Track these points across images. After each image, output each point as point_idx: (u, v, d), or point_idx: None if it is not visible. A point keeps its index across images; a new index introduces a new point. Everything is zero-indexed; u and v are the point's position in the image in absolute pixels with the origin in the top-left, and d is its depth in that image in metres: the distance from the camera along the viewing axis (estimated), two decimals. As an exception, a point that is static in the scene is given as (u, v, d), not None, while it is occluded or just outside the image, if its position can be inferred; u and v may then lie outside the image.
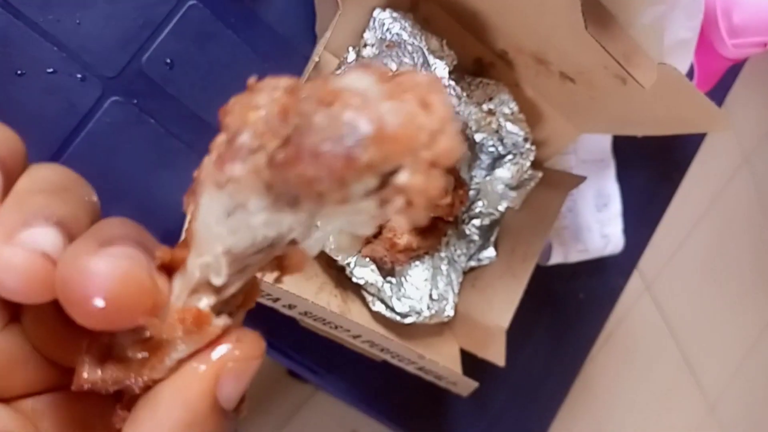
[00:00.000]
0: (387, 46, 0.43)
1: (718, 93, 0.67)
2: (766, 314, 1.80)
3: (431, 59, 0.44)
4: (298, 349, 0.50)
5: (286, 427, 1.08)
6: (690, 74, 0.58)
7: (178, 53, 0.42)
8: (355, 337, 0.44)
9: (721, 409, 1.70)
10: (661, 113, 0.44)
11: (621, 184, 0.63)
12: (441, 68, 0.43)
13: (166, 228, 0.42)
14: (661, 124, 0.46)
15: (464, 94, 0.45)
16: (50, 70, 0.38)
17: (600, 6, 0.38)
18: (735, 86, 0.71)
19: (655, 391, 1.58)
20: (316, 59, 0.40)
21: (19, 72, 0.38)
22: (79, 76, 0.39)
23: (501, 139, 0.49)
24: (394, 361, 0.48)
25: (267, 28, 0.44)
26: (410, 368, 0.48)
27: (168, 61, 0.41)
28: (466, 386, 0.48)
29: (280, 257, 0.17)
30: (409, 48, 0.43)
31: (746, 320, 1.76)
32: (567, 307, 0.65)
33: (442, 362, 0.46)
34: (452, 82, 0.44)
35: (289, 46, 0.45)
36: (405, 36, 0.43)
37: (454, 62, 0.45)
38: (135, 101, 0.41)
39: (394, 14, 0.43)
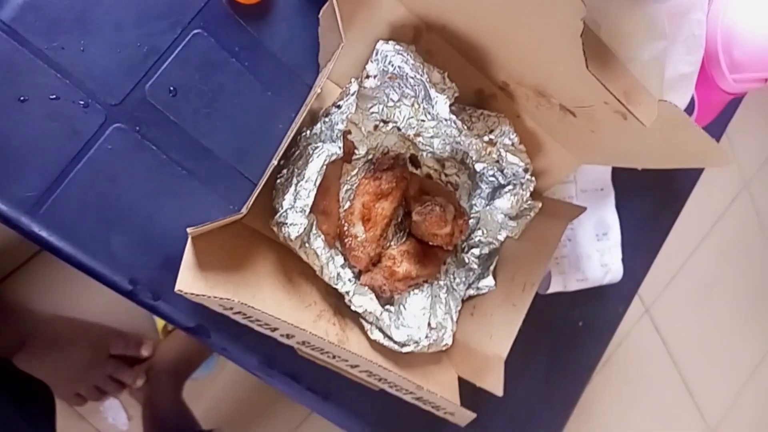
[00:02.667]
0: (389, 78, 0.43)
1: (719, 125, 0.67)
2: (767, 339, 1.79)
3: (432, 93, 0.44)
4: (296, 377, 0.49)
5: (281, 447, 1.07)
6: (691, 107, 0.58)
7: (181, 81, 0.42)
8: (353, 366, 0.44)
9: (721, 433, 1.69)
10: (661, 148, 0.44)
11: (620, 213, 0.63)
12: (442, 102, 0.44)
13: (167, 254, 0.42)
14: (661, 159, 0.46)
15: (465, 126, 0.45)
16: (53, 96, 0.39)
17: (601, 43, 0.38)
18: (737, 113, 0.72)
19: (654, 414, 1.57)
20: (319, 90, 0.40)
21: (22, 98, 0.38)
22: (82, 102, 0.39)
23: (501, 170, 0.50)
24: (392, 391, 0.47)
25: (271, 56, 0.45)
26: (408, 398, 0.48)
27: (171, 88, 0.42)
28: (464, 417, 0.48)
29: None
30: (411, 81, 0.44)
31: (747, 345, 1.76)
32: (566, 336, 0.65)
33: (440, 391, 0.46)
34: (453, 116, 0.44)
35: (292, 75, 0.46)
36: (407, 69, 0.43)
37: (456, 94, 0.46)
38: (138, 128, 0.41)
39: (397, 47, 0.43)
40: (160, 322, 0.94)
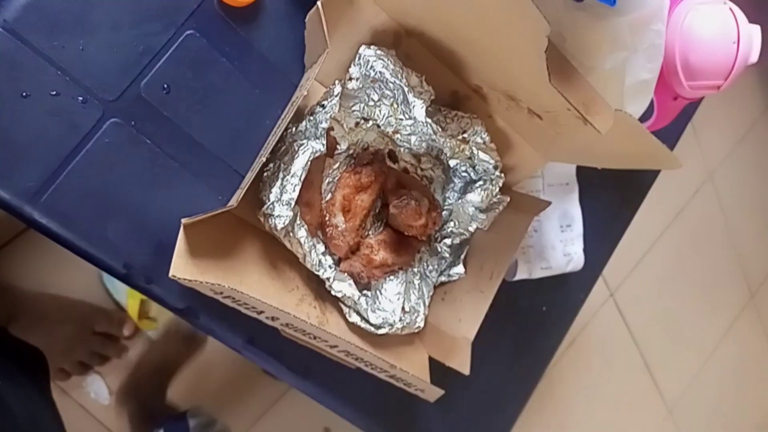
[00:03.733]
0: (371, 81, 0.47)
1: (678, 126, 0.71)
2: (726, 323, 1.88)
3: (410, 97, 0.47)
4: (277, 354, 0.53)
5: (259, 423, 1.11)
6: (650, 111, 0.62)
7: (174, 79, 0.44)
8: (332, 347, 0.48)
9: (679, 413, 1.77)
10: (618, 151, 0.48)
11: (584, 206, 0.68)
12: (419, 107, 0.47)
13: (160, 241, 0.45)
14: (619, 160, 0.51)
15: (440, 128, 0.49)
16: (54, 92, 0.41)
17: (563, 58, 0.42)
18: (703, 106, 0.76)
19: (615, 393, 1.64)
20: (305, 92, 0.43)
21: (24, 94, 0.40)
22: (80, 98, 0.42)
23: (473, 166, 0.53)
24: (368, 369, 0.51)
25: (259, 56, 0.47)
26: (382, 376, 0.52)
27: (165, 86, 0.44)
28: (433, 393, 0.52)
29: None
30: (391, 85, 0.47)
31: (706, 330, 1.84)
32: (530, 320, 0.69)
33: (412, 370, 0.50)
34: (428, 119, 0.48)
35: (279, 74, 0.48)
36: (387, 75, 0.46)
37: (432, 97, 0.49)
38: (133, 123, 0.43)
39: (378, 52, 0.46)
40: (133, 308, 0.96)
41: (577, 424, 1.56)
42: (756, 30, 0.56)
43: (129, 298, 0.94)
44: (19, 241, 0.90)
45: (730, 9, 0.57)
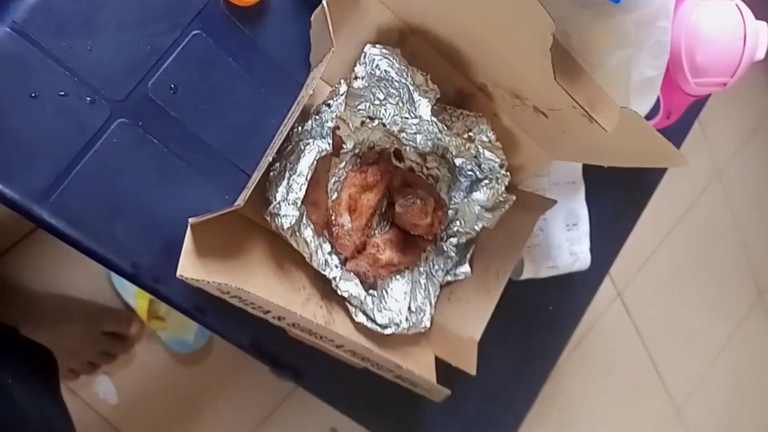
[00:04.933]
0: (377, 80, 0.47)
1: (684, 124, 0.71)
2: (734, 322, 1.87)
3: (416, 96, 0.47)
4: (284, 354, 0.53)
5: (266, 422, 1.11)
6: (656, 109, 0.62)
7: (181, 79, 0.45)
8: (339, 346, 0.48)
9: (687, 412, 1.76)
10: (624, 149, 0.48)
11: (590, 205, 0.68)
12: (424, 105, 0.47)
13: (167, 240, 0.45)
14: (625, 158, 0.50)
15: (445, 126, 0.49)
16: (62, 93, 0.41)
17: (568, 56, 0.42)
18: (710, 104, 0.76)
19: (623, 393, 1.64)
20: (311, 92, 0.43)
21: (33, 94, 0.41)
22: (88, 99, 0.42)
23: (479, 165, 0.53)
24: (374, 369, 0.51)
25: (265, 55, 0.48)
26: (389, 376, 0.52)
27: (172, 86, 0.44)
28: (440, 393, 0.52)
29: None
30: (396, 84, 0.47)
31: (714, 328, 1.83)
32: (537, 320, 0.69)
33: (418, 370, 0.50)
34: (434, 118, 0.48)
35: (284, 73, 0.49)
36: (393, 73, 0.46)
37: (437, 96, 0.49)
38: (140, 123, 0.44)
39: (384, 50, 0.46)
40: (142, 308, 0.96)
41: (584, 424, 1.55)
42: (763, 26, 0.56)
43: (138, 298, 0.95)
44: (27, 241, 0.90)
45: (737, 5, 0.57)
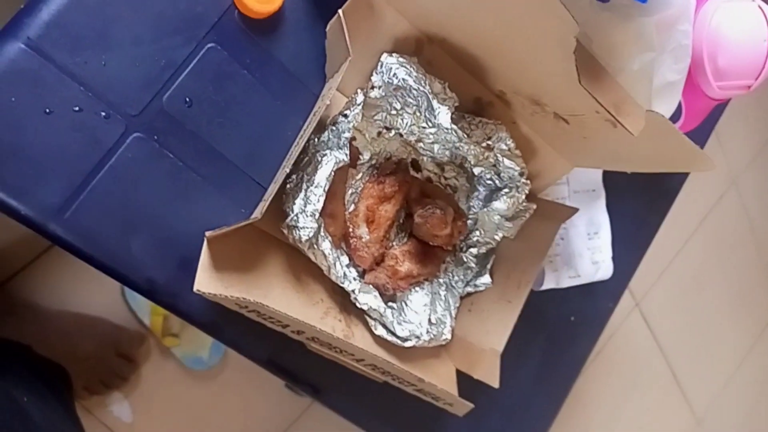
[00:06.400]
0: (394, 89, 0.46)
1: (706, 128, 0.70)
2: (755, 332, 1.83)
3: (435, 104, 0.46)
4: (303, 369, 0.52)
5: (282, 439, 1.10)
6: (678, 113, 0.61)
7: (196, 92, 0.44)
8: (359, 360, 0.47)
9: (709, 424, 1.73)
10: (648, 154, 0.47)
11: (611, 213, 0.66)
12: (444, 113, 0.46)
13: (183, 255, 0.45)
14: (649, 163, 0.49)
15: (465, 135, 0.48)
16: (77, 108, 0.41)
17: (592, 59, 0.41)
18: (726, 112, 0.75)
19: (643, 405, 1.61)
20: (327, 102, 0.42)
21: (47, 110, 0.40)
22: (103, 114, 0.42)
23: (498, 173, 0.52)
24: (395, 383, 0.50)
25: (280, 67, 0.47)
26: (409, 389, 0.50)
27: (187, 99, 0.44)
28: (462, 407, 0.51)
29: None
30: (414, 93, 0.46)
31: (734, 338, 1.80)
32: (558, 330, 0.68)
33: (439, 383, 0.49)
34: (453, 126, 0.47)
35: (300, 84, 0.48)
36: (411, 81, 0.46)
37: (456, 104, 0.48)
38: (156, 137, 0.43)
39: (401, 59, 0.46)
40: (156, 325, 0.95)
41: (605, 436, 1.52)
42: (786, 28, 0.55)
43: (152, 315, 0.94)
44: (40, 260, 0.90)
45: (759, 6, 0.55)
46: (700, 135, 0.71)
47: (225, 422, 1.06)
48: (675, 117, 0.61)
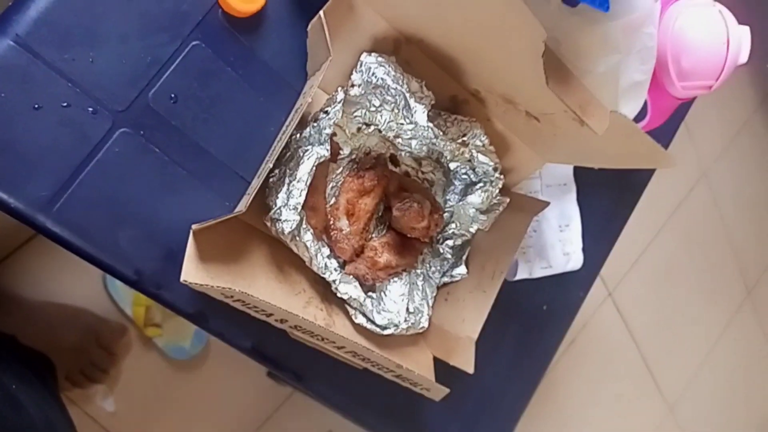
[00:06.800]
0: (373, 87, 0.48)
1: (671, 126, 0.73)
2: (724, 320, 1.89)
3: (412, 102, 0.48)
4: (286, 357, 0.54)
5: (264, 426, 1.12)
6: (644, 112, 0.64)
7: (181, 89, 0.46)
8: (340, 348, 0.49)
9: (680, 410, 1.78)
10: (614, 152, 0.49)
11: (582, 206, 0.69)
12: (420, 111, 0.48)
13: (169, 247, 0.46)
14: (615, 160, 0.52)
15: (441, 132, 0.50)
16: (65, 104, 0.42)
17: (559, 62, 0.43)
18: (696, 105, 0.78)
19: (616, 392, 1.66)
20: (309, 100, 0.44)
21: (36, 106, 0.41)
22: (91, 109, 0.43)
23: (473, 168, 0.54)
24: (374, 369, 0.52)
25: (263, 65, 0.49)
26: (388, 375, 0.53)
27: (173, 95, 0.45)
28: (439, 392, 0.53)
29: None
30: (392, 91, 0.48)
31: (705, 326, 1.85)
32: (531, 319, 0.71)
33: (417, 370, 0.51)
34: (430, 123, 0.49)
35: (282, 82, 0.50)
36: (389, 81, 0.48)
37: (432, 102, 0.50)
38: (142, 132, 0.44)
39: (380, 59, 0.48)
40: (138, 315, 0.96)
41: (578, 422, 1.57)
42: (745, 31, 0.58)
43: (134, 306, 0.95)
44: (23, 250, 0.90)
45: (720, 11, 0.58)
46: (666, 132, 0.74)
47: (207, 411, 1.07)
48: (641, 115, 0.64)
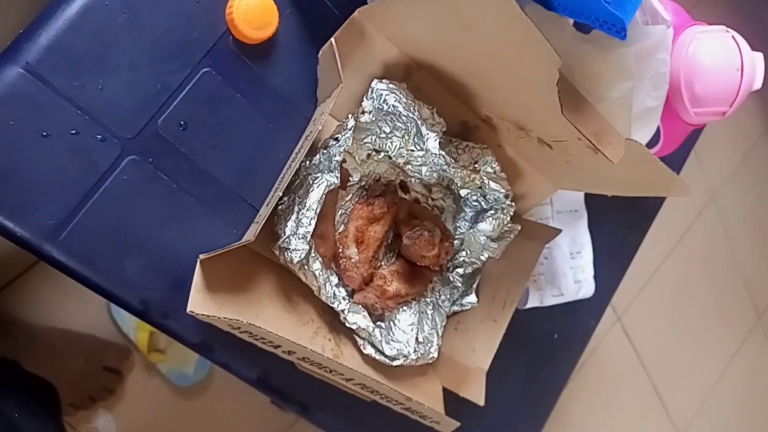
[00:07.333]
0: (384, 114, 0.47)
1: (683, 152, 0.72)
2: (734, 346, 1.86)
3: (423, 130, 0.48)
4: (292, 388, 0.53)
5: (267, 455, 1.10)
6: (657, 137, 0.63)
7: (191, 116, 0.45)
8: (348, 380, 0.48)
9: (690, 438, 1.75)
10: (628, 179, 0.48)
11: (592, 233, 0.68)
12: (432, 139, 0.48)
13: (176, 276, 0.45)
14: (628, 187, 0.51)
15: (452, 159, 0.49)
16: (73, 131, 0.42)
17: (574, 90, 0.43)
18: (705, 129, 0.77)
19: (625, 419, 1.62)
20: (320, 127, 0.43)
21: (44, 133, 0.41)
22: (99, 137, 0.42)
23: (484, 195, 0.54)
24: (383, 402, 0.51)
25: (273, 91, 0.48)
26: (397, 408, 0.51)
27: (182, 123, 0.45)
28: (448, 425, 0.52)
29: None
30: (403, 118, 0.48)
31: (715, 351, 1.83)
32: (542, 347, 0.69)
33: (426, 402, 0.50)
34: (441, 151, 0.48)
35: (292, 108, 0.49)
36: (400, 108, 0.47)
37: (444, 129, 0.50)
38: (151, 160, 0.44)
39: (391, 85, 0.47)
40: (142, 341, 0.95)
41: (587, 451, 1.54)
42: (759, 57, 0.57)
43: (138, 331, 0.94)
44: (27, 276, 0.90)
45: (733, 37, 0.58)
46: (678, 158, 0.73)
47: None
48: (654, 141, 0.64)
